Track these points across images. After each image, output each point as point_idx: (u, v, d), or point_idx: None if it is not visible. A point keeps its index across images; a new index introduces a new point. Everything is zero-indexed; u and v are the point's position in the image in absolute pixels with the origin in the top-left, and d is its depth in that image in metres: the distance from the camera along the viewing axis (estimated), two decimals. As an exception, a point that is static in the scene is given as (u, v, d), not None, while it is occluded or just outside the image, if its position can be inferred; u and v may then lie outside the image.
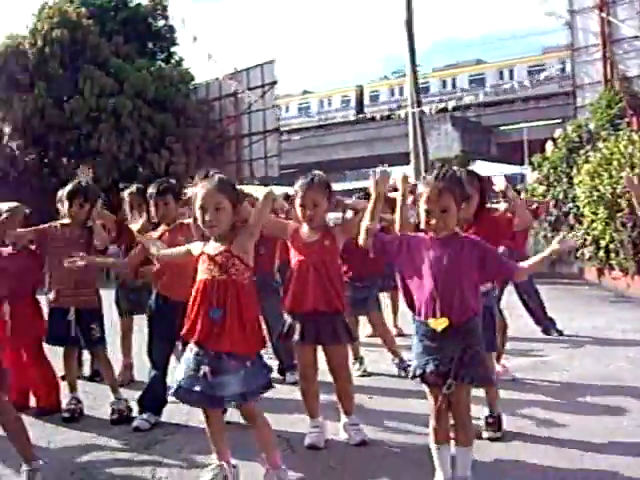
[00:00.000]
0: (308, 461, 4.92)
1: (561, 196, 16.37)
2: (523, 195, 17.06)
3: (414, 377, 4.21)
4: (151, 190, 6.13)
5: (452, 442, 4.20)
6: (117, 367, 7.42)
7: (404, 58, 26.14)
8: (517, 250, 8.13)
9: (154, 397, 5.91)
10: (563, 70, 41.20)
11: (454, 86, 50.44)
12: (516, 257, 4.98)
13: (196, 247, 4.49)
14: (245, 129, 28.73)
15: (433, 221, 4.07)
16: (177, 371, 4.38)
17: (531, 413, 5.89)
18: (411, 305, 4.25)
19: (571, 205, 15.88)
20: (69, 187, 6.34)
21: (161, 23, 30.76)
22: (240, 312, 4.23)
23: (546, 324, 9.76)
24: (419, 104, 26.66)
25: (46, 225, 6.42)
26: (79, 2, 28.65)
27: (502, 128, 44.66)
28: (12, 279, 6.24)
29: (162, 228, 6.05)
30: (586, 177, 14.10)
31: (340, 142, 48.51)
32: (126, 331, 7.79)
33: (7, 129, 27.02)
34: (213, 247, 4.37)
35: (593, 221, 14.04)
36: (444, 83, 51.65)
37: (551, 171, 17.03)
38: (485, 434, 5.21)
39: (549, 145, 18.13)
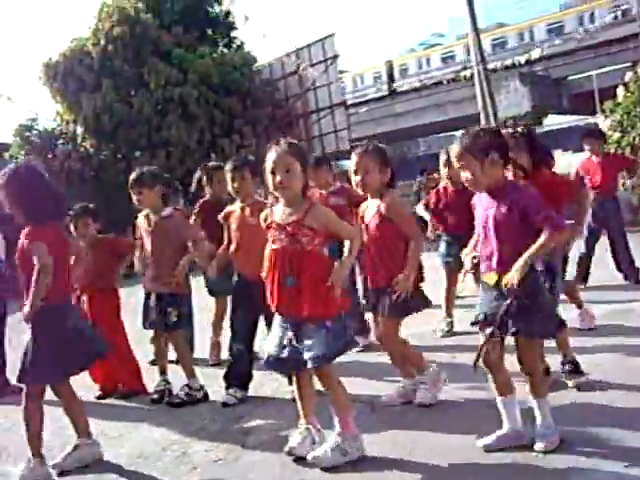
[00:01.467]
0: (385, 424, 4.96)
1: (637, 141, 15.94)
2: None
3: (473, 324, 4.34)
4: (228, 166, 6.25)
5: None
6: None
7: (465, 18, 25.81)
8: None
9: (240, 372, 6.02)
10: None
11: (532, 38, 49.08)
12: None
13: (265, 215, 4.58)
14: (312, 105, 28.70)
15: (464, 177, 4.26)
16: (267, 342, 4.54)
17: (617, 359, 5.81)
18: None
19: (648, 149, 15.48)
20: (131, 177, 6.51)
21: (218, 9, 30.85)
22: (313, 277, 4.30)
23: (630, 273, 9.58)
24: (484, 62, 26.31)
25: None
26: (136, -3, 28.98)
27: (571, 78, 43.62)
28: (89, 270, 6.43)
29: (238, 205, 6.14)
30: (661, 118, 13.73)
31: (408, 110, 48.10)
32: (220, 312, 7.86)
33: (79, 130, 27.59)
34: (282, 215, 4.44)
35: (673, 163, 13.65)
36: (522, 36, 50.33)
37: (624, 116, 16.58)
38: (570, 383, 5.18)
39: (620, 90, 17.65)
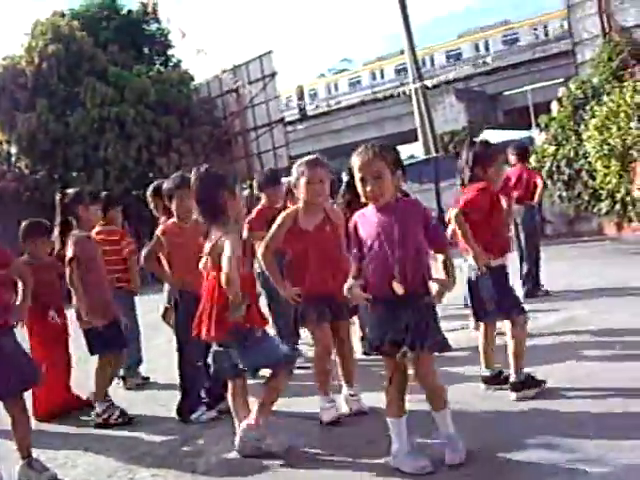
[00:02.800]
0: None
1: (572, 154, 16.23)
2: (533, 157, 17.00)
3: (371, 349, 4.28)
4: (169, 186, 6.07)
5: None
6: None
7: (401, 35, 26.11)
8: None
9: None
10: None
11: (487, 49, 50.31)
12: None
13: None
14: (250, 123, 28.65)
15: (368, 188, 4.12)
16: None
17: (565, 367, 5.86)
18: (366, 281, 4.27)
19: (582, 162, 15.75)
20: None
21: (154, 27, 30.71)
22: None
23: (530, 286, 9.81)
24: (420, 79, 26.63)
25: None
26: (70, 16, 28.64)
27: (506, 94, 44.37)
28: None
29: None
30: (595, 132, 13.99)
31: (347, 126, 48.37)
32: None
33: (14, 150, 27.10)
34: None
35: (606, 175, 13.93)
36: (477, 47, 51.45)
37: (559, 130, 16.88)
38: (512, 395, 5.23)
39: (554, 105, 17.99)
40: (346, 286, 4.26)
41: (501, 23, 52.97)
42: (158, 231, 6.06)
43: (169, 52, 31.03)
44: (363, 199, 4.23)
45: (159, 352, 8.22)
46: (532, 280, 9.86)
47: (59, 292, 6.69)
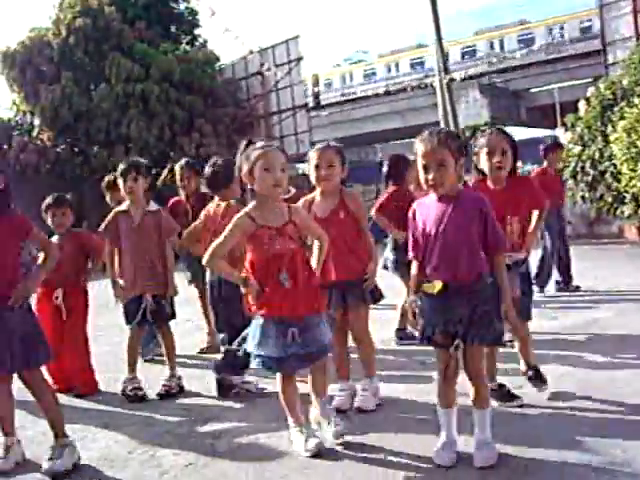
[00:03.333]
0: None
1: (597, 155, 16.08)
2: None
3: (423, 339, 4.22)
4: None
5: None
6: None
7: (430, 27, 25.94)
8: None
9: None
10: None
11: (502, 47, 50.16)
12: None
13: (246, 220, 4.47)
14: (274, 107, 28.62)
15: (431, 175, 4.05)
16: (257, 346, 4.42)
17: (586, 371, 5.82)
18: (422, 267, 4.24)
19: (607, 164, 15.61)
20: (120, 167, 6.40)
21: (183, 6, 30.68)
22: (310, 273, 4.50)
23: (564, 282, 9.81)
24: (446, 72, 26.46)
25: (110, 217, 6.45)
26: (100, -11, 28.66)
27: (532, 91, 44.11)
28: (63, 265, 6.22)
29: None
30: (622, 134, 13.85)
31: (369, 115, 48.23)
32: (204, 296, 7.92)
33: (37, 121, 27.19)
34: (273, 217, 4.46)
35: (631, 178, 13.79)
36: (492, 45, 51.35)
37: (585, 130, 16.71)
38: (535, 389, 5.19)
39: (582, 104, 17.81)
40: (408, 301, 4.32)
41: (517, 22, 52.82)
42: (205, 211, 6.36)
43: (196, 32, 31.02)
44: (424, 187, 4.18)
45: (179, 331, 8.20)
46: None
47: (70, 271, 6.48)
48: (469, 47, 51.52)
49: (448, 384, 4.20)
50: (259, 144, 4.53)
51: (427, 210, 4.18)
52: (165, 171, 8.37)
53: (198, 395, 6.19)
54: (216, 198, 6.36)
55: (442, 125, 26.67)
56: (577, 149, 16.51)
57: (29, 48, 26.66)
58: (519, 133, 43.36)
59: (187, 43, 30.64)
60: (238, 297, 4.65)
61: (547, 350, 6.46)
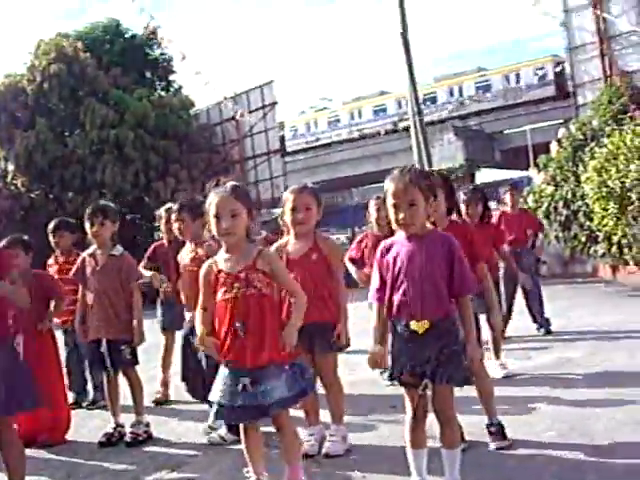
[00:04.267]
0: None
1: (569, 195, 16.22)
2: (531, 197, 17.00)
3: (392, 379, 4.18)
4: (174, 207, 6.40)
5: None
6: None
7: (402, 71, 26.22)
8: None
9: None
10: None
11: (461, 94, 50.95)
12: None
13: (208, 269, 4.31)
14: (249, 151, 28.73)
15: (401, 215, 4.01)
16: (213, 393, 4.25)
17: (561, 410, 5.79)
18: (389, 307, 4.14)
19: (580, 203, 15.73)
20: (87, 210, 6.33)
21: (157, 52, 30.85)
22: (272, 322, 4.17)
23: (541, 323, 9.76)
24: (420, 115, 26.67)
25: (79, 260, 6.40)
26: (75, 36, 28.78)
27: (505, 133, 44.57)
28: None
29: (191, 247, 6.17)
30: (593, 173, 13.96)
31: (344, 159, 48.54)
32: (168, 347, 7.92)
33: (10, 167, 27.09)
34: (231, 263, 4.23)
35: (604, 217, 13.87)
36: (451, 92, 52.11)
37: (557, 171, 16.89)
38: (492, 445, 5.07)
39: (554, 146, 18.04)
40: (370, 352, 4.11)
41: (475, 70, 53.76)
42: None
43: (171, 77, 31.16)
44: (394, 226, 4.12)
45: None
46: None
47: (30, 314, 6.15)
48: (430, 94, 52.25)
49: (418, 425, 4.13)
50: (215, 190, 4.32)
51: (397, 249, 4.14)
52: None
53: (165, 441, 6.05)
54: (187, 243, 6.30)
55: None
56: (550, 189, 16.67)
57: (3, 94, 26.66)
58: (494, 175, 43.78)
59: (162, 89, 30.78)
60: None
61: (521, 388, 6.51)
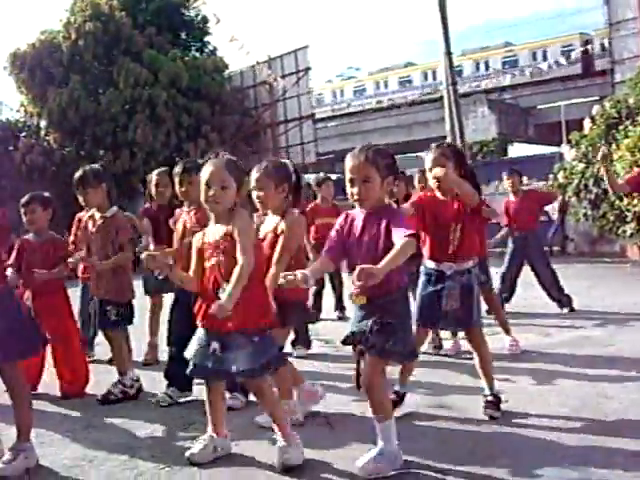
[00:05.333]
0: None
1: (600, 172, 16.05)
2: (562, 174, 16.85)
3: (343, 342, 4.34)
4: (177, 169, 6.15)
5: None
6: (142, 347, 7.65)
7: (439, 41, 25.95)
8: None
9: (177, 372, 5.71)
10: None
11: (487, 68, 50.66)
12: None
13: (196, 241, 4.49)
14: (281, 116, 28.66)
15: (355, 190, 4.14)
16: (189, 350, 4.45)
17: (576, 387, 5.79)
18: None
19: (611, 182, 15.57)
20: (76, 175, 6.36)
21: (193, 13, 30.73)
22: (244, 290, 4.15)
23: (563, 301, 9.70)
24: (454, 85, 26.43)
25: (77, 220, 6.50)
26: (111, -6, 28.76)
27: (539, 108, 44.16)
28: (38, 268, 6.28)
29: (190, 207, 6.03)
30: (626, 152, 13.84)
31: (377, 128, 48.37)
32: (155, 310, 7.88)
33: (43, 123, 27.26)
34: (213, 233, 4.37)
35: (634, 197, 13.76)
36: (477, 66, 51.77)
37: (589, 148, 16.70)
38: (485, 412, 5.10)
39: (587, 123, 17.81)
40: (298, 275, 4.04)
41: (502, 44, 53.29)
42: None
43: (206, 39, 31.04)
44: (350, 200, 4.26)
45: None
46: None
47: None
48: (456, 67, 52.03)
49: (363, 391, 4.24)
50: (212, 160, 4.43)
51: (353, 222, 4.27)
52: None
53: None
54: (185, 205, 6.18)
55: (449, 139, 26.67)
56: (581, 166, 16.51)
57: (39, 50, 26.73)
58: (526, 150, 43.46)
59: (196, 50, 30.69)
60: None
61: (538, 364, 6.56)
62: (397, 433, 4.22)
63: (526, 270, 9.64)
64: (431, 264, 5.17)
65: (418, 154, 61.00)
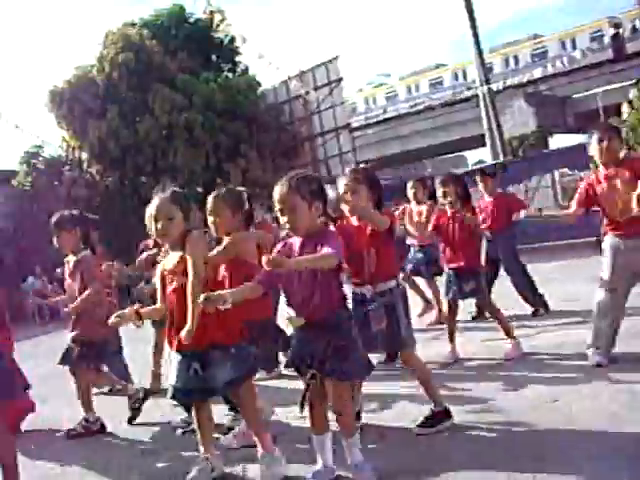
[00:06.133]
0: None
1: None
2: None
3: (286, 366, 4.41)
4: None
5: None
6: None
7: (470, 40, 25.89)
8: None
9: None
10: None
11: (517, 63, 50.27)
12: None
13: (159, 270, 4.67)
14: (317, 129, 28.78)
15: (285, 219, 4.17)
16: (169, 377, 4.57)
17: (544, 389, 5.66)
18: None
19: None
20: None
21: (222, 35, 31.02)
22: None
23: (535, 302, 9.40)
24: (488, 83, 26.34)
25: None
26: (141, 24, 29.17)
27: (575, 97, 43.72)
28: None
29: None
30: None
31: (414, 131, 48.33)
32: (158, 340, 7.84)
33: (85, 156, 27.71)
34: (171, 260, 4.56)
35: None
36: (507, 61, 51.43)
37: (630, 134, 16.53)
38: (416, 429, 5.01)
39: (625, 107, 17.64)
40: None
41: (531, 37, 52.84)
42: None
43: (236, 59, 31.31)
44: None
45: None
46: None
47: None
48: (487, 64, 51.86)
49: (312, 412, 4.25)
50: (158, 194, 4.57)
51: (290, 248, 4.27)
52: None
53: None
54: None
55: (487, 137, 26.51)
56: (622, 154, 16.29)
57: (75, 85, 27.22)
58: (567, 140, 43.03)
59: (228, 70, 30.96)
60: None
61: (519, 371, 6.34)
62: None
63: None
64: (354, 288, 5.15)
65: (462, 153, 61.10)
